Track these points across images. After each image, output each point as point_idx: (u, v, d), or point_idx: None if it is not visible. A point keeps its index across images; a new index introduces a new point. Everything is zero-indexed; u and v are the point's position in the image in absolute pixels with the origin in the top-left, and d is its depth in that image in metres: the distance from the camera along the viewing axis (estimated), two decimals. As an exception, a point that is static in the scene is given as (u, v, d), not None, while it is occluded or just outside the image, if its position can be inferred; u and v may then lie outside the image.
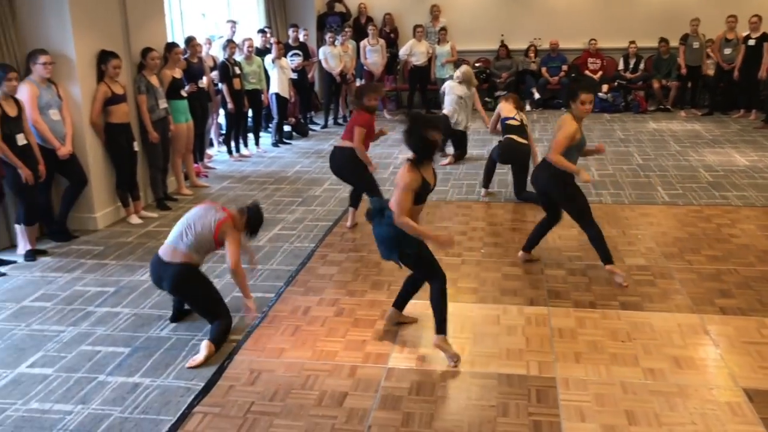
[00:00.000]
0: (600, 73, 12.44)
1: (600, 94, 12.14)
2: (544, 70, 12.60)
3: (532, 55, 12.74)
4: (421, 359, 3.89)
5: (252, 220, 4.35)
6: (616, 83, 12.37)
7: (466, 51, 12.71)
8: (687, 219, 6.24)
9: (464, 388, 3.59)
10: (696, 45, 11.62)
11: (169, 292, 4.25)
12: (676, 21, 12.14)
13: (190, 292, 4.19)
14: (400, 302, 4.25)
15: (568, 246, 5.60)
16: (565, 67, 12.60)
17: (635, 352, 3.90)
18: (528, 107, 12.62)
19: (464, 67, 8.62)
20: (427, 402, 3.47)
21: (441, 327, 3.84)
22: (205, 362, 3.88)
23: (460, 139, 8.63)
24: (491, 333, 4.17)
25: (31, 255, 5.59)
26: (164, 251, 4.16)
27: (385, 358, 3.90)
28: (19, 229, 5.66)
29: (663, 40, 12.04)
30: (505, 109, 7.05)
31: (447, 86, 8.47)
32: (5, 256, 5.57)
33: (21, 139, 5.41)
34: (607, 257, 4.87)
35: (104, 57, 6.25)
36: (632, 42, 12.32)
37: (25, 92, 5.63)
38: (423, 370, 3.77)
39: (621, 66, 12.49)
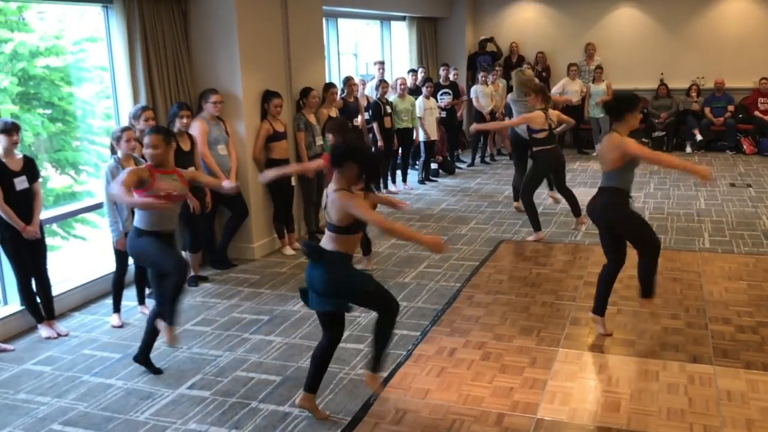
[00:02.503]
0: (771, 113, 11.57)
1: (770, 136, 11.32)
2: (707, 110, 11.90)
3: (694, 94, 12.06)
4: (572, 412, 3.70)
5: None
6: (790, 125, 11.44)
7: (622, 89, 12.25)
8: None
9: (620, 448, 3.37)
10: None
11: None
12: None
13: None
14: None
15: (735, 300, 5.17)
16: (731, 108, 11.84)
17: (819, 425, 3.50)
18: (689, 149, 11.95)
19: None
20: (579, 459, 3.29)
21: (380, 365, 3.72)
22: None
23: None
24: (650, 390, 3.90)
25: (195, 281, 5.95)
26: None
27: (534, 407, 3.75)
28: (184, 255, 6.04)
29: None
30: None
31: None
32: (171, 281, 5.96)
33: (191, 172, 5.82)
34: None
35: (267, 96, 6.62)
36: (812, 80, 11.36)
37: (196, 128, 6.06)
38: (575, 424, 3.58)
39: (796, 106, 11.55)
